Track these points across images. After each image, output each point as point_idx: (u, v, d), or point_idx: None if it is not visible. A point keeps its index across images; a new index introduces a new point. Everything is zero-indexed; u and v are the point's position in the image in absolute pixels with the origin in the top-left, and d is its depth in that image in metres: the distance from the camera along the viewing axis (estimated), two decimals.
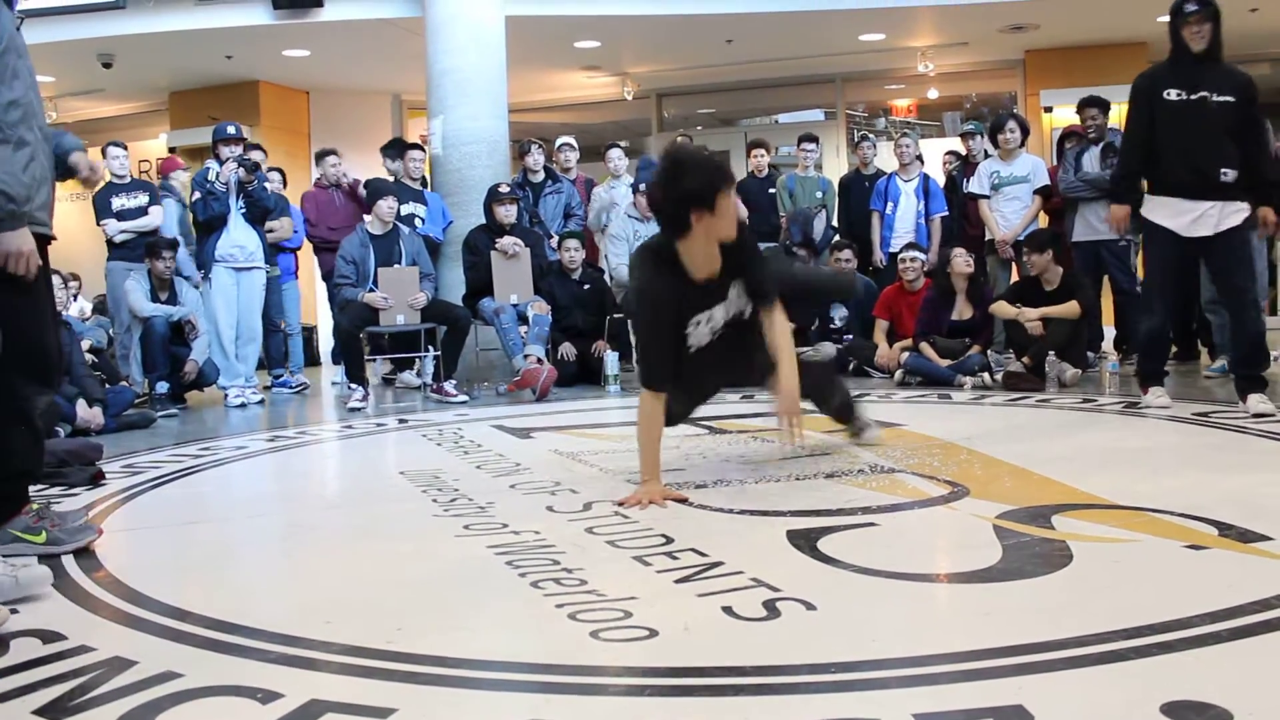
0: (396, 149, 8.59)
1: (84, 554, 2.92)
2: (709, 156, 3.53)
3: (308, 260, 9.33)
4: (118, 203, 7.59)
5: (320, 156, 8.83)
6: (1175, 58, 4.81)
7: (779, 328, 3.61)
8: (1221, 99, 4.70)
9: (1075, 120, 8.46)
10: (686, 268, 3.45)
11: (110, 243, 7.61)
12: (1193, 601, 2.15)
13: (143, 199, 7.68)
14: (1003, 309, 6.64)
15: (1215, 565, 2.50)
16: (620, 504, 3.32)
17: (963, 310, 6.86)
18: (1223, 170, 4.70)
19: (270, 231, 7.84)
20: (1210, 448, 4.19)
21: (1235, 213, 4.73)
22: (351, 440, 5.49)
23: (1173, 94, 4.77)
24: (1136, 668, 1.84)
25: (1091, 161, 7.07)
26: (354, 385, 6.70)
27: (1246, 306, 4.86)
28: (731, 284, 3.57)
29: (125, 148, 7.97)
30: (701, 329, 3.58)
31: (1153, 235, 4.90)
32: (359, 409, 6.47)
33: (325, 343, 9.95)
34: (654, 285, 3.47)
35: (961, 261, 6.81)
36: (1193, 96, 4.73)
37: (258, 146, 8.26)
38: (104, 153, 7.85)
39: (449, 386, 6.83)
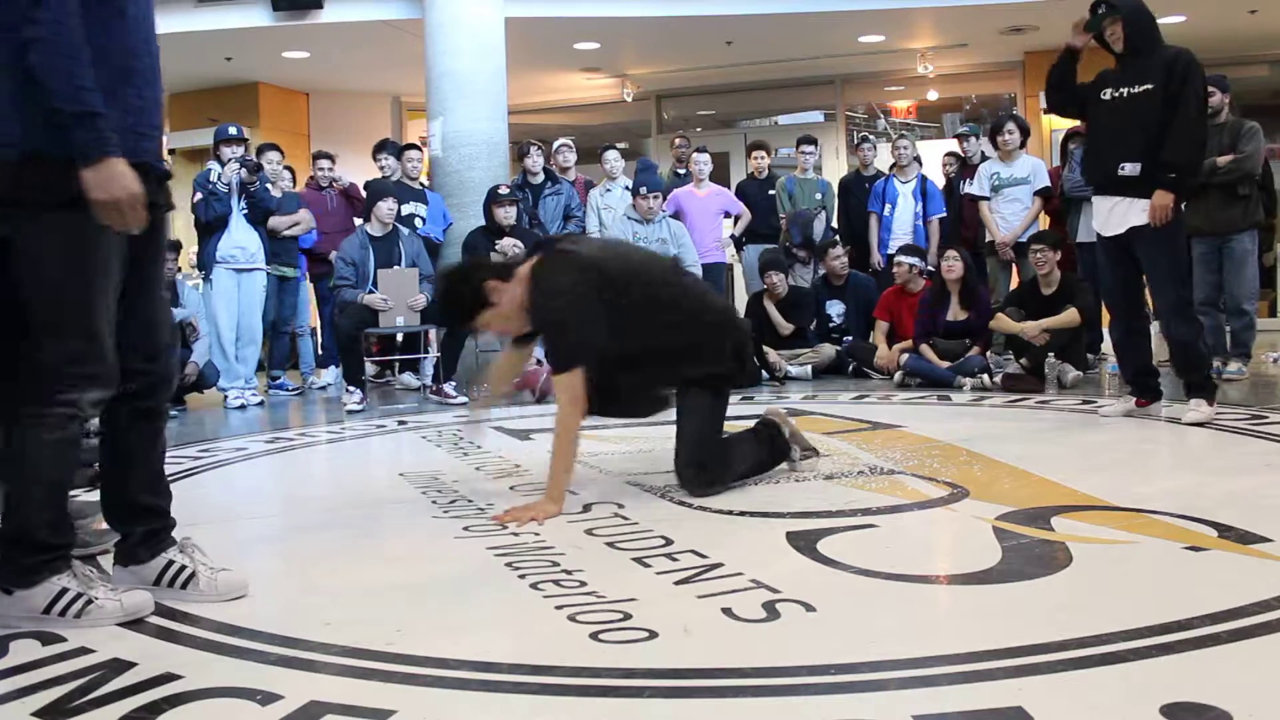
0: (392, 148, 8.58)
1: (84, 556, 2.92)
2: (466, 268, 3.70)
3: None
4: None
5: (315, 159, 8.82)
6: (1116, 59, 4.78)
7: (561, 419, 3.35)
8: (1140, 89, 4.59)
9: (1075, 121, 8.47)
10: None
11: None
12: (1192, 603, 2.15)
13: None
14: (1004, 324, 6.64)
15: (1215, 567, 2.50)
16: (500, 519, 3.22)
17: (956, 312, 6.86)
18: (1121, 165, 4.61)
19: (296, 225, 7.84)
20: (1209, 449, 4.19)
21: (1143, 211, 4.59)
22: (351, 442, 5.49)
23: (1107, 94, 4.73)
24: (1136, 669, 1.84)
25: None
26: (352, 388, 6.70)
27: (1167, 309, 4.70)
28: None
29: None
30: None
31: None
32: (357, 411, 6.46)
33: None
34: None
35: (945, 266, 6.80)
36: (1117, 93, 4.68)
37: (275, 147, 8.25)
38: None
39: (449, 388, 6.84)
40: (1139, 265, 4.77)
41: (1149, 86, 4.56)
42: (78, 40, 2.21)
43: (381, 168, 8.38)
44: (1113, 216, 4.73)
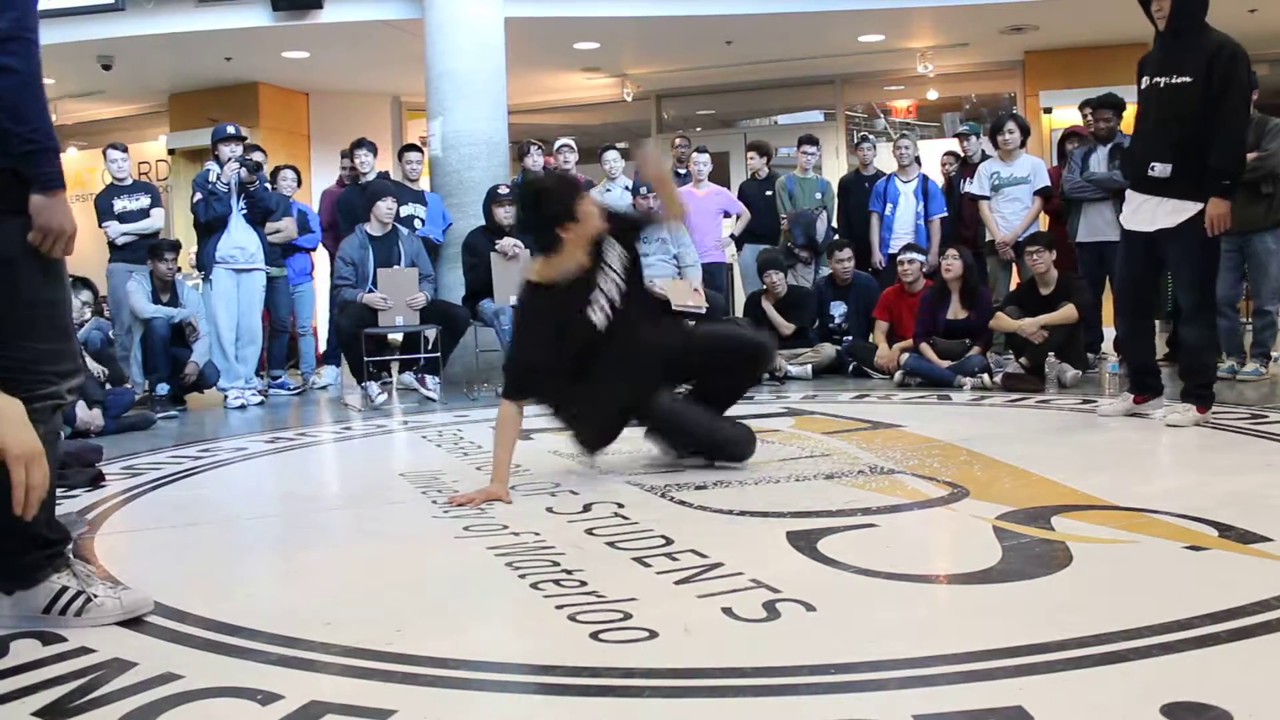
0: (369, 145, 8.49)
1: (82, 556, 2.92)
2: (559, 176, 3.86)
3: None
4: (119, 205, 7.61)
5: (343, 155, 8.76)
6: (1157, 38, 4.57)
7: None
8: (1178, 80, 4.37)
9: (1075, 121, 8.47)
10: (557, 280, 3.79)
11: (112, 245, 7.62)
12: (1193, 602, 2.15)
13: (144, 201, 7.70)
14: (1002, 322, 6.64)
15: (1215, 566, 2.50)
16: (450, 501, 3.50)
17: (957, 311, 6.86)
18: (1152, 164, 4.45)
19: (276, 232, 7.85)
20: (1210, 449, 4.18)
21: (1172, 212, 4.45)
22: (351, 441, 5.49)
23: (1145, 81, 4.56)
24: (1137, 668, 1.84)
25: (1099, 162, 6.99)
26: (364, 384, 6.74)
27: (1188, 313, 4.61)
28: (606, 252, 3.86)
29: (126, 150, 7.98)
30: (600, 311, 3.82)
31: None
32: (381, 404, 6.51)
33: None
34: (535, 310, 3.85)
35: (945, 265, 6.81)
36: (1155, 81, 4.48)
37: (258, 148, 8.25)
38: (105, 155, 7.88)
39: (429, 381, 6.88)
40: (1157, 264, 4.65)
41: (1188, 79, 4.35)
42: (41, 73, 2.30)
43: (360, 163, 8.33)
44: (1141, 213, 4.58)
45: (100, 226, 7.63)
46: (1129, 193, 4.73)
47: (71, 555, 2.44)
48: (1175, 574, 2.45)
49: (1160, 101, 4.47)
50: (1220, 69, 4.30)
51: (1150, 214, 4.56)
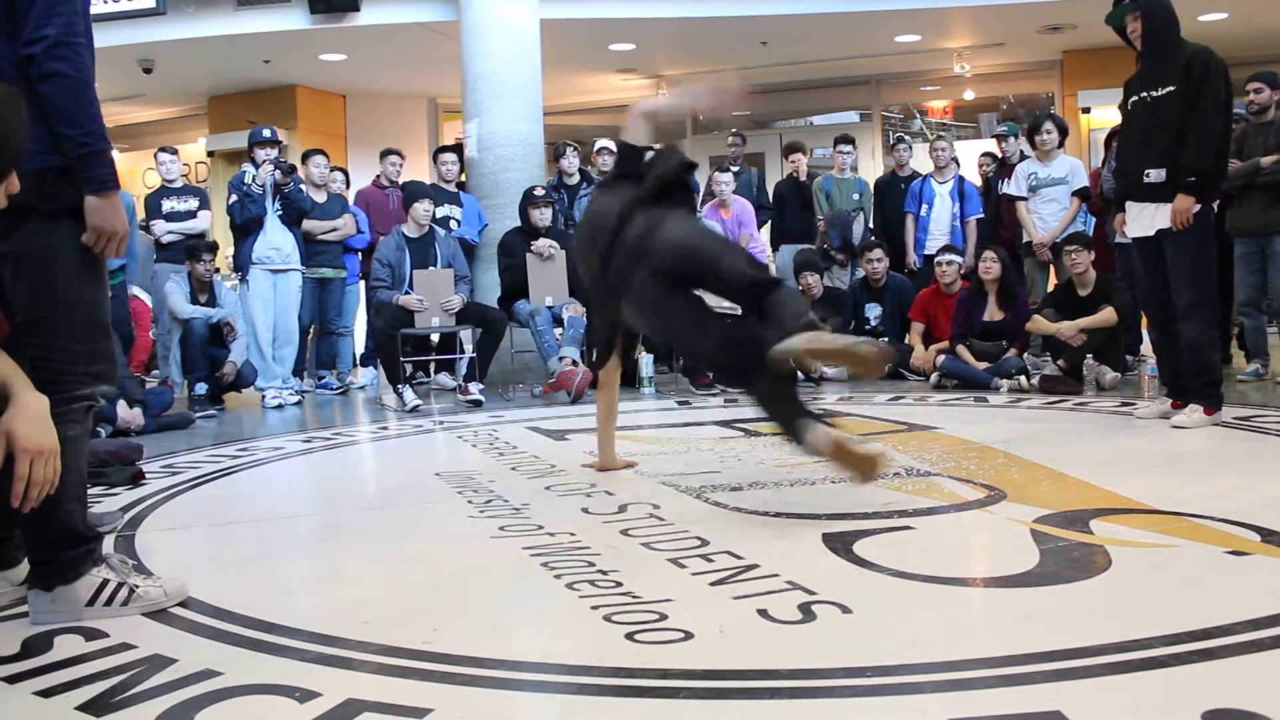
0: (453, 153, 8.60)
1: (123, 552, 2.96)
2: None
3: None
4: (168, 205, 7.79)
5: (383, 156, 8.83)
6: (1138, 59, 4.76)
7: None
8: (1162, 92, 4.57)
9: (1114, 121, 8.38)
10: None
11: (157, 244, 7.76)
12: (1234, 608, 2.12)
13: (193, 203, 7.85)
14: (1040, 325, 6.58)
15: (1257, 571, 2.47)
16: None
17: (994, 312, 6.82)
18: (1147, 171, 4.61)
19: (333, 230, 7.91)
20: (1251, 452, 4.13)
21: (1168, 214, 4.57)
22: (387, 442, 5.53)
23: (1133, 99, 4.73)
24: (1177, 674, 1.82)
25: None
26: (400, 388, 6.75)
27: (1183, 308, 4.61)
28: None
29: (176, 153, 8.14)
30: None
31: None
32: (412, 408, 6.51)
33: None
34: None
35: (983, 267, 6.78)
36: (1142, 96, 4.67)
37: (321, 151, 8.30)
38: (155, 157, 8.04)
39: (472, 387, 6.87)
40: (1158, 267, 4.71)
41: (1170, 89, 4.54)
42: (93, 78, 2.36)
43: (446, 166, 8.37)
44: (1142, 219, 4.71)
45: (147, 225, 7.79)
46: (1128, 204, 4.84)
47: (106, 550, 2.49)
48: (1216, 579, 2.42)
49: (1148, 113, 4.64)
50: (1195, 73, 4.48)
51: (1150, 219, 4.67)
